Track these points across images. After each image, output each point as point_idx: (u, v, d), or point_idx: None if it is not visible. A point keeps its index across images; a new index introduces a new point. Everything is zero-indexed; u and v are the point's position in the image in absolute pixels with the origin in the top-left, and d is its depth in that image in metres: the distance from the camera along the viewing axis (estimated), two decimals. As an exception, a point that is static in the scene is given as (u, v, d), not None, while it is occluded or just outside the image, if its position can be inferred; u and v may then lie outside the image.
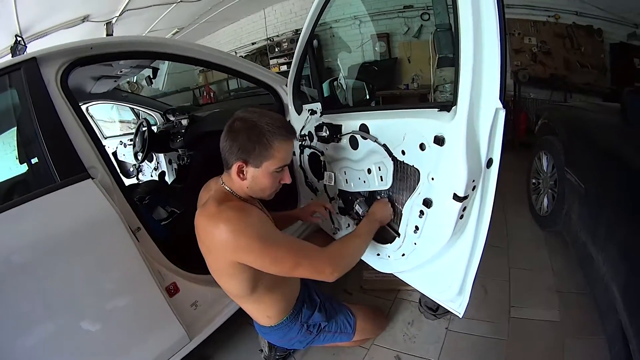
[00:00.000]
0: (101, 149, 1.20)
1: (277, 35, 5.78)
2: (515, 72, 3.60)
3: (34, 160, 1.23)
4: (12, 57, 3.06)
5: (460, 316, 1.12)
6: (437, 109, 0.95)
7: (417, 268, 1.20)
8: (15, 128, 1.29)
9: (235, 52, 6.27)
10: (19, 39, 2.97)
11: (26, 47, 3.06)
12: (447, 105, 0.91)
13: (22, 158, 1.30)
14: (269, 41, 5.78)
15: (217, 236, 0.93)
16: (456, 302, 1.12)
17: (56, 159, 1.08)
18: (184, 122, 2.36)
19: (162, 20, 4.26)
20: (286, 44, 5.54)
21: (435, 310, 1.55)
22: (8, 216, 0.98)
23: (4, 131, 1.48)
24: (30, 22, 2.96)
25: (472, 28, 0.79)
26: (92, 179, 1.10)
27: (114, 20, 3.45)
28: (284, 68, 5.55)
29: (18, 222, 1.00)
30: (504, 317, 1.51)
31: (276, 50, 5.66)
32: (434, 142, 0.92)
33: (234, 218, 0.93)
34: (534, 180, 2.26)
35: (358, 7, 4.63)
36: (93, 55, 1.27)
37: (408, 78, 4.67)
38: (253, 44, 6.15)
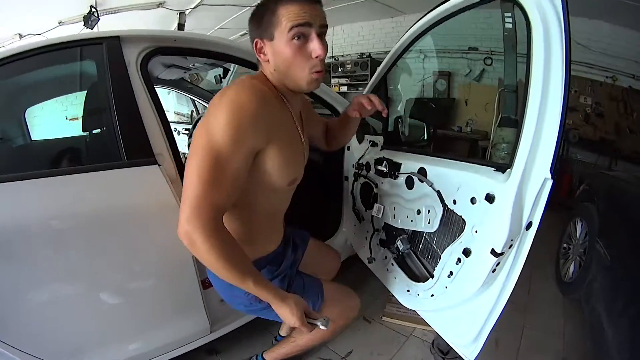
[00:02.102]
0: (171, 138, 1.31)
1: (342, 55, 6.02)
2: (567, 131, 3.68)
3: (97, 132, 1.34)
4: (84, 25, 3.33)
5: (469, 363, 1.23)
6: (493, 169, 1.10)
7: (441, 310, 1.32)
8: (84, 97, 1.36)
9: None
10: (93, 10, 3.20)
11: (99, 19, 3.30)
12: (503, 166, 1.06)
13: (87, 127, 1.37)
14: (333, 60, 6.03)
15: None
16: (469, 348, 1.24)
17: (127, 139, 1.17)
18: None
19: (232, 20, 4.51)
20: (350, 65, 5.74)
21: (445, 353, 1.65)
22: (71, 180, 1.10)
23: (73, 95, 1.53)
24: None
25: (538, 110, 0.95)
26: (159, 165, 1.21)
27: (187, 12, 3.70)
28: (344, 89, 5.81)
29: (79, 188, 1.11)
30: None
31: (339, 70, 5.87)
32: (485, 198, 1.07)
33: (234, 95, 0.83)
34: (565, 245, 2.35)
35: (426, 41, 4.83)
36: (175, 47, 1.41)
37: (463, 121, 4.78)
38: None
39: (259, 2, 0.90)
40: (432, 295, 1.31)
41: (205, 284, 1.43)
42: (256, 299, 0.99)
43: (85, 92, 1.36)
